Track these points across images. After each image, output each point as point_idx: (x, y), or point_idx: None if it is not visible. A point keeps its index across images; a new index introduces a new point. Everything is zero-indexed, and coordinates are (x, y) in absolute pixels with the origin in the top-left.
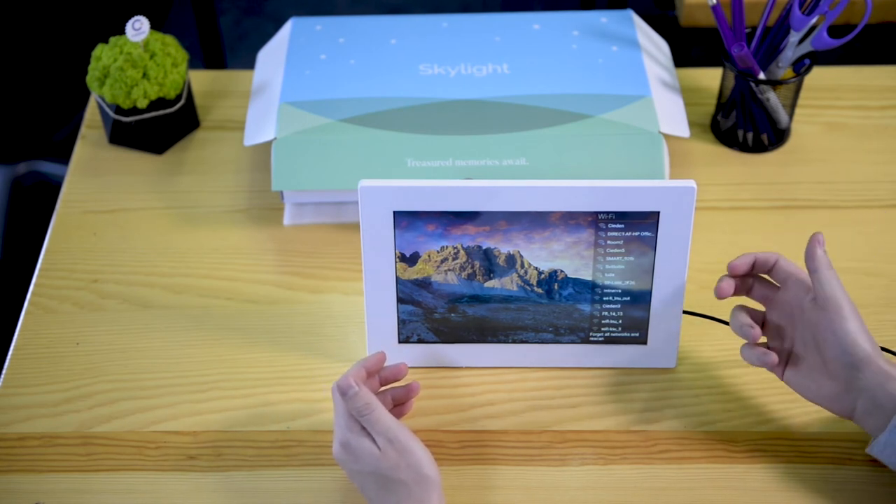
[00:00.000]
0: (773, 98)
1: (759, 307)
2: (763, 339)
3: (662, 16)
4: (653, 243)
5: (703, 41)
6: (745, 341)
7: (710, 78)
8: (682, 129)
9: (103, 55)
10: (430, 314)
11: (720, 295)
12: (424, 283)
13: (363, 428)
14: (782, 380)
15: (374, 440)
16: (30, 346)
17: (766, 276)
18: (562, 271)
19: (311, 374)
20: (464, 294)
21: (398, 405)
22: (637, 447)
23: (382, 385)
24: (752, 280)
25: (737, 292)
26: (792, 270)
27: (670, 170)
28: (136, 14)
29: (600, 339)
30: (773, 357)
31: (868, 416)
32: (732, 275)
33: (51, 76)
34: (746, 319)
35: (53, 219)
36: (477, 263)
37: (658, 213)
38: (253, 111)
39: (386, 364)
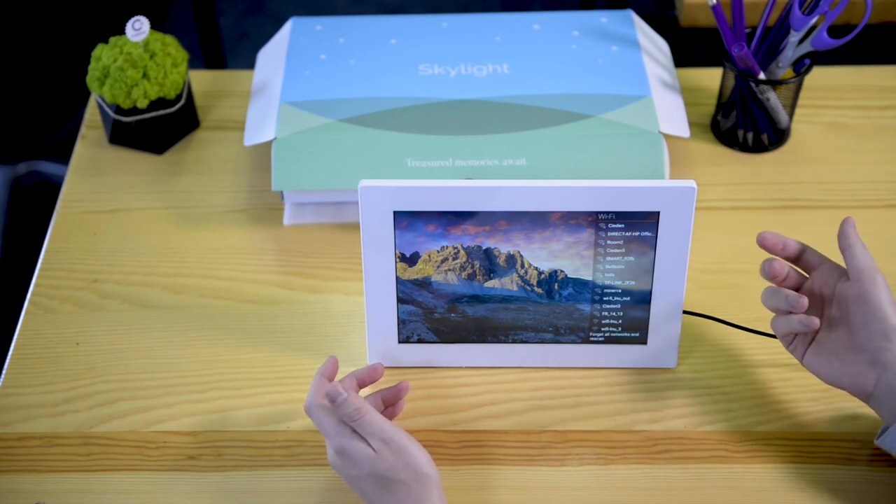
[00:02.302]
0: (773, 98)
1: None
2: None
3: (662, 16)
4: (653, 243)
5: (703, 41)
6: (777, 315)
7: (710, 78)
8: (682, 129)
9: (103, 55)
10: (430, 314)
11: (772, 273)
12: (424, 283)
13: (355, 431)
14: (802, 362)
15: (368, 443)
16: (30, 346)
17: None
18: (562, 271)
19: (311, 374)
20: (464, 294)
21: (389, 406)
22: (637, 447)
23: (361, 386)
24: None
25: (777, 280)
26: (823, 257)
27: (670, 170)
28: (136, 14)
29: (600, 339)
30: (816, 321)
31: (887, 396)
32: (761, 245)
33: (51, 76)
34: (791, 291)
35: (53, 219)
36: (477, 263)
37: (658, 213)
38: (253, 111)
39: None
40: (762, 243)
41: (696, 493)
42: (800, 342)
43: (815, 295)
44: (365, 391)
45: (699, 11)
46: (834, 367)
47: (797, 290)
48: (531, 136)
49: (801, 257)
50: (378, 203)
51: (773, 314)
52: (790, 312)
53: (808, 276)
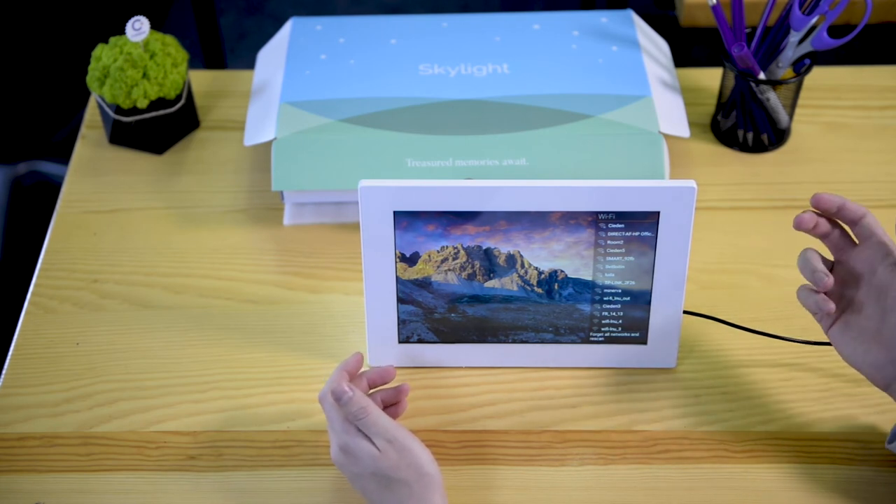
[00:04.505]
0: (773, 98)
1: (828, 255)
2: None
3: (662, 16)
4: (653, 243)
5: (703, 41)
6: (805, 283)
7: (710, 78)
8: (682, 129)
9: (103, 55)
10: (430, 314)
11: (800, 225)
12: (424, 283)
13: (359, 429)
14: (826, 334)
15: (372, 441)
16: (30, 346)
17: (847, 228)
18: (562, 271)
19: (311, 374)
20: (464, 294)
21: (390, 406)
22: (637, 447)
23: (371, 387)
24: (832, 226)
25: (815, 231)
26: (876, 230)
27: (670, 170)
28: (136, 14)
29: (600, 339)
30: (832, 306)
31: None
32: (815, 205)
33: (51, 76)
34: (821, 266)
35: (53, 219)
36: (477, 263)
37: (658, 213)
38: (253, 111)
39: (377, 364)
40: (816, 203)
41: (696, 493)
42: (826, 315)
43: (855, 268)
44: None
45: (699, 11)
46: (857, 351)
47: (840, 252)
48: (531, 136)
49: (857, 223)
50: (378, 203)
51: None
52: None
53: (856, 242)
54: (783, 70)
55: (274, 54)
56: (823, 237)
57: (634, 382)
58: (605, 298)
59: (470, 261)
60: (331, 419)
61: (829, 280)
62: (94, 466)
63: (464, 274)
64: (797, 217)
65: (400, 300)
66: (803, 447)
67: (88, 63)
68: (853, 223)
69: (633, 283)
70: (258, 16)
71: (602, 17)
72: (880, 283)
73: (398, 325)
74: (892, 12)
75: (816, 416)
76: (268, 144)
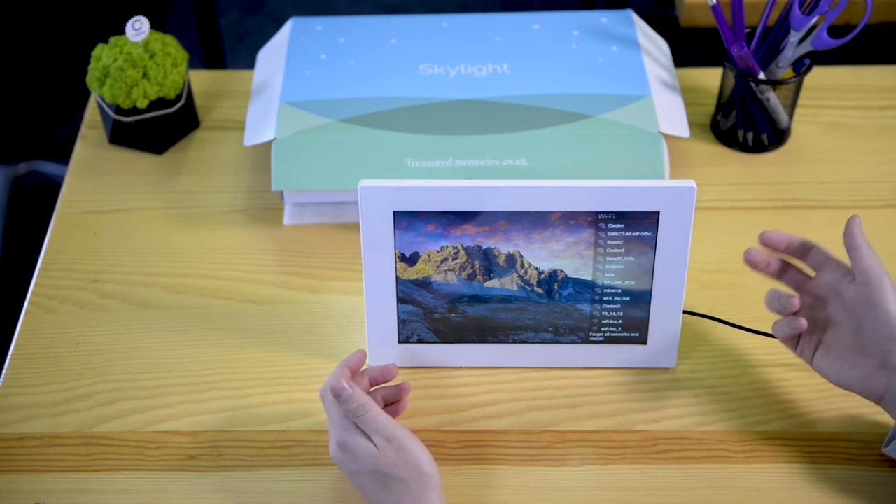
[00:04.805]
0: (773, 98)
1: (792, 292)
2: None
3: (662, 16)
4: (653, 243)
5: (703, 41)
6: (778, 318)
7: (710, 78)
8: (682, 129)
9: (103, 55)
10: (430, 314)
11: (749, 261)
12: (424, 283)
13: (358, 427)
14: (812, 366)
15: (370, 439)
16: (30, 346)
17: (799, 264)
18: (562, 271)
19: (311, 374)
20: (464, 294)
21: (390, 404)
22: (637, 447)
23: (372, 385)
24: (784, 266)
25: (768, 271)
26: (829, 255)
27: (670, 170)
28: (136, 14)
29: (600, 339)
30: (803, 322)
31: None
32: (763, 244)
33: (51, 76)
34: (784, 291)
35: (53, 219)
36: (477, 263)
37: (658, 213)
38: (253, 111)
39: (376, 365)
40: (764, 241)
41: (696, 493)
42: (806, 345)
43: (819, 295)
44: None
45: (699, 11)
46: (843, 369)
47: (800, 288)
48: (531, 136)
49: (807, 255)
50: (378, 203)
51: (777, 318)
52: (792, 314)
53: (811, 274)
54: (783, 70)
55: (274, 54)
56: (779, 276)
57: (634, 382)
58: (605, 298)
59: (470, 261)
60: (330, 416)
61: (796, 299)
62: (94, 466)
63: (464, 274)
64: (746, 253)
65: (400, 300)
66: (803, 447)
67: (88, 63)
68: (804, 255)
69: (633, 283)
70: (258, 16)
71: (602, 17)
72: (847, 299)
73: (398, 325)
74: (892, 12)
75: (816, 415)
76: (268, 144)
